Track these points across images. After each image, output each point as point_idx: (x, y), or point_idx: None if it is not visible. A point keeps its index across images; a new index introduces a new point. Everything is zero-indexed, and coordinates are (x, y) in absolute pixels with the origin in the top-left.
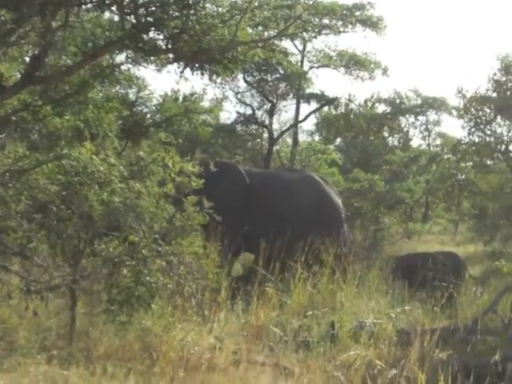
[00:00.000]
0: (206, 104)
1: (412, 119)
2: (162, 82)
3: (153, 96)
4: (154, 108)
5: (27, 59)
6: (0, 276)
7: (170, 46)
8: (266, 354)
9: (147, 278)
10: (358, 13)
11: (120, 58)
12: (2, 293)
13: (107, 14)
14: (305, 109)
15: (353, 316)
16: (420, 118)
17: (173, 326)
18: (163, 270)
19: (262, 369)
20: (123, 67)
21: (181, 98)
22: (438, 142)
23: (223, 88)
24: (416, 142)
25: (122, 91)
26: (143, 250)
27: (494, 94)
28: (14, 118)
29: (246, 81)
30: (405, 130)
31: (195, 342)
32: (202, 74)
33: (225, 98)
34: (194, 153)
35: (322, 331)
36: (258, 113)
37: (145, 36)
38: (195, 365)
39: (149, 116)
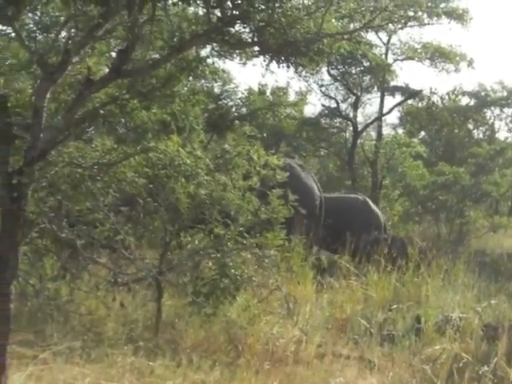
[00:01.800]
0: (290, 97)
1: (497, 111)
2: (246, 75)
3: (238, 89)
4: (239, 101)
5: (114, 53)
6: (88, 268)
7: (255, 39)
8: (351, 348)
9: (232, 271)
10: (443, 4)
11: (205, 51)
12: (89, 284)
13: (192, 8)
14: (389, 102)
15: (438, 310)
16: (506, 110)
17: (258, 318)
18: (248, 262)
19: (346, 362)
20: (209, 60)
21: (268, 92)
22: None
23: (307, 81)
24: (502, 134)
25: (207, 85)
26: (228, 243)
27: None
28: (101, 111)
29: (330, 74)
30: (490, 122)
31: (280, 334)
32: (288, 67)
33: (309, 91)
34: (278, 146)
35: (407, 325)
36: (343, 106)
37: (231, 29)
38: (280, 357)
39: (234, 109)
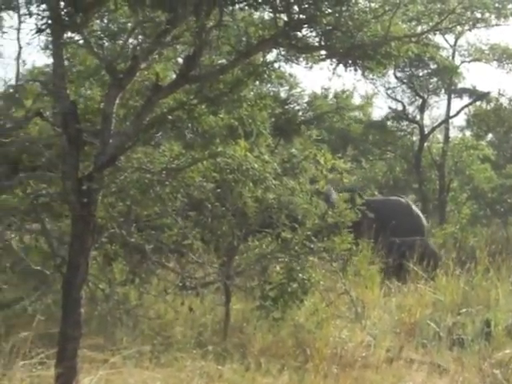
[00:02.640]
0: (356, 101)
1: None
2: (311, 79)
3: (304, 93)
4: (305, 105)
5: (180, 59)
6: (157, 272)
7: (322, 43)
8: (420, 352)
9: (300, 275)
10: (511, 5)
11: (271, 55)
12: (158, 289)
13: (258, 13)
14: (456, 104)
15: (508, 313)
16: None
17: (326, 322)
18: (316, 266)
19: (415, 366)
20: (275, 65)
21: (331, 95)
22: None
23: (374, 84)
24: None
25: (273, 89)
26: (296, 247)
27: None
28: (169, 116)
29: (396, 76)
30: None
31: (348, 338)
32: (356, 70)
33: (375, 94)
34: (345, 149)
35: (477, 329)
36: (409, 108)
37: (298, 33)
38: (349, 362)
39: (300, 113)
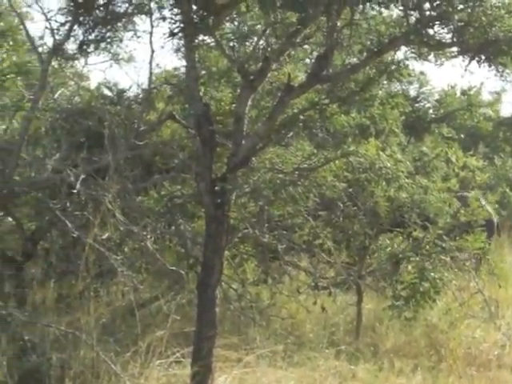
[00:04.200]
0: (484, 97)
1: None
2: (438, 76)
3: (434, 91)
4: (435, 103)
5: (310, 59)
6: (289, 272)
7: (455, 40)
8: None
9: (432, 274)
10: None
11: (401, 53)
12: (290, 288)
13: (385, 11)
14: None
15: None
16: None
17: (459, 322)
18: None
19: None
20: (406, 63)
21: (458, 93)
22: None
23: (504, 80)
24: None
25: (403, 87)
26: (427, 246)
27: None
28: (301, 116)
29: None
30: None
31: (482, 338)
32: (490, 67)
33: (504, 91)
34: (476, 147)
35: None
36: None
37: (429, 30)
38: (483, 362)
39: (431, 111)
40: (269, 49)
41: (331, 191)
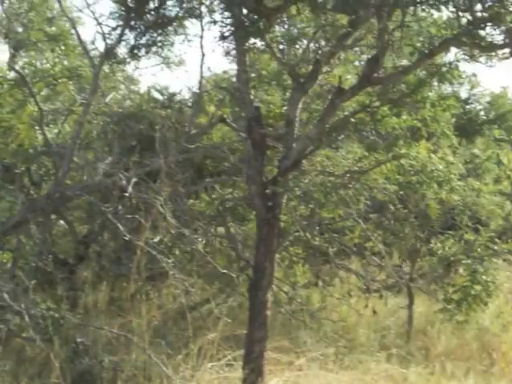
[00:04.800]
0: None
1: None
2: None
3: (485, 93)
4: (486, 105)
5: (359, 62)
6: (339, 275)
7: (506, 41)
8: None
9: (483, 277)
10: None
11: (452, 55)
12: (341, 291)
13: (436, 12)
14: None
15: None
16: None
17: (511, 325)
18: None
19: None
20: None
21: (510, 94)
22: None
23: None
24: None
25: (454, 89)
26: (479, 249)
27: None
28: (352, 119)
29: None
30: None
31: None
32: None
33: None
34: None
35: None
36: None
37: (481, 32)
38: None
39: (482, 113)
40: (319, 51)
41: (382, 194)
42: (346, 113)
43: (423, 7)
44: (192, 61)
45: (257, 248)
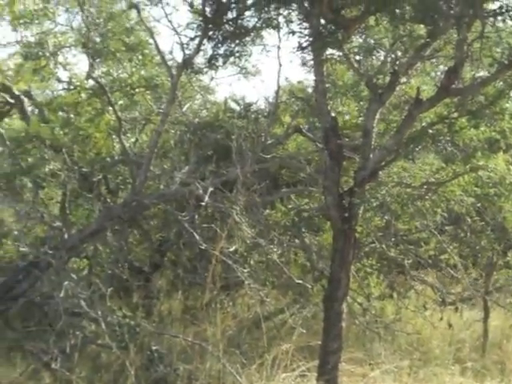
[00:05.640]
0: None
1: None
2: None
3: None
4: None
5: (436, 72)
6: (415, 287)
7: None
8: None
9: None
10: None
11: None
12: (417, 303)
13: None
14: None
15: None
16: None
17: None
18: None
19: None
20: None
21: None
22: None
23: None
24: None
25: None
26: None
27: None
28: (429, 130)
29: None
30: None
31: None
32: None
33: None
34: None
35: None
36: None
37: None
38: None
39: None
40: (397, 62)
41: (459, 206)
42: (424, 124)
43: (503, 18)
44: (268, 70)
45: (332, 259)
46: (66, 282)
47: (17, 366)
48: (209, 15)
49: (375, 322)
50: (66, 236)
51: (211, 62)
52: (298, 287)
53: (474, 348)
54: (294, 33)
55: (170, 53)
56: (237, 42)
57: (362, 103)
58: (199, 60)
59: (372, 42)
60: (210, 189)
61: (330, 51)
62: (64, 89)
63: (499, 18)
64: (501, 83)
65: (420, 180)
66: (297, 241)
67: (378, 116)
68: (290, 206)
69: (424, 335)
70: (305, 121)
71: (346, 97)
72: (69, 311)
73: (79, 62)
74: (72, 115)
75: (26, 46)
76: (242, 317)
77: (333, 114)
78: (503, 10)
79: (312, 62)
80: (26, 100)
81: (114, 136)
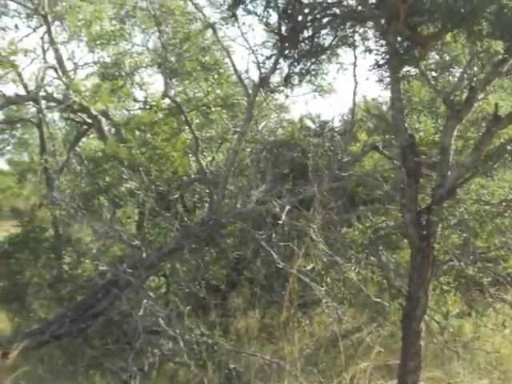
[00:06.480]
0: None
1: None
2: None
3: None
4: None
5: (510, 89)
6: (494, 305)
7: None
8: None
9: None
10: None
11: None
12: (495, 321)
13: None
14: None
15: None
16: None
17: None
18: None
19: None
20: None
21: None
22: None
23: None
24: None
25: None
26: None
27: None
28: (508, 147)
29: None
30: None
31: None
32: None
33: None
34: None
35: None
36: None
37: None
38: None
39: None
40: (474, 78)
41: None
42: (502, 140)
43: None
44: (344, 88)
45: (410, 277)
46: (144, 301)
47: (96, 383)
48: (285, 34)
49: (453, 340)
50: (144, 254)
51: (287, 81)
52: (375, 305)
53: None
54: (370, 51)
55: (246, 72)
56: (313, 60)
57: (438, 120)
58: (275, 78)
59: (449, 58)
60: (287, 207)
61: (406, 68)
62: (140, 108)
63: None
64: None
65: (499, 197)
66: (374, 259)
67: (455, 133)
68: (366, 224)
69: (503, 354)
70: (381, 138)
71: (422, 113)
72: (147, 329)
73: (155, 82)
74: (149, 135)
75: (102, 66)
76: (319, 335)
77: (410, 132)
78: None
79: (389, 80)
80: (103, 120)
81: (190, 155)
